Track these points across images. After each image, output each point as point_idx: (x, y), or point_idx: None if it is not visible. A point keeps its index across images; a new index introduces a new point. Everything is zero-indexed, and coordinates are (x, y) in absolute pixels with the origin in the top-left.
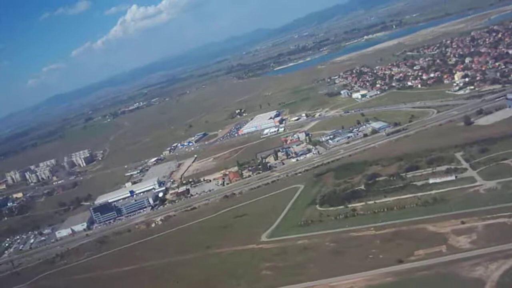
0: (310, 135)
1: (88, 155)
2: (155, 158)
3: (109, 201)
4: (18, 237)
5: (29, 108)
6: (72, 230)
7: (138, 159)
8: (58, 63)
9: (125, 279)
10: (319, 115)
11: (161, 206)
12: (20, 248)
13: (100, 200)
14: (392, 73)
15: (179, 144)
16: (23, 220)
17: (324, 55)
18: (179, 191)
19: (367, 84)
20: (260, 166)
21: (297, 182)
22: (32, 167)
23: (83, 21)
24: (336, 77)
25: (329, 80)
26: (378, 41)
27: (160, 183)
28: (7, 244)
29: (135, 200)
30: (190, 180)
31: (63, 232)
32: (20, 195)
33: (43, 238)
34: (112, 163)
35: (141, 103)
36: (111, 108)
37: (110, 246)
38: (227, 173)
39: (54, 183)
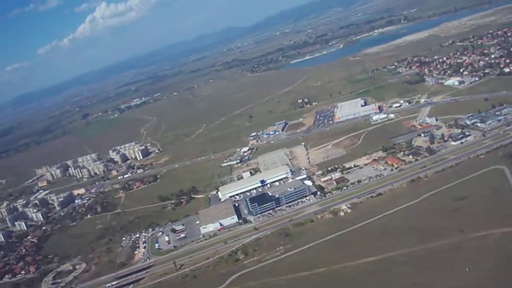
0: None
1: (143, 148)
2: (246, 148)
3: (236, 192)
4: (137, 235)
5: None
6: (221, 224)
7: (217, 150)
8: (23, 62)
9: (373, 273)
10: (424, 101)
11: (328, 194)
12: (158, 247)
13: (224, 191)
14: (468, 61)
15: (262, 133)
16: (119, 217)
17: (340, 49)
18: (336, 178)
19: (448, 72)
20: (413, 151)
21: (492, 164)
22: (69, 162)
23: (52, 18)
24: (392, 67)
25: (385, 69)
26: (395, 35)
27: (292, 172)
28: (130, 244)
29: (294, 189)
30: (336, 166)
31: (209, 227)
32: (82, 191)
33: (182, 235)
34: (181, 155)
35: (143, 98)
36: (103, 105)
37: (303, 238)
38: (376, 158)
39: (119, 178)
